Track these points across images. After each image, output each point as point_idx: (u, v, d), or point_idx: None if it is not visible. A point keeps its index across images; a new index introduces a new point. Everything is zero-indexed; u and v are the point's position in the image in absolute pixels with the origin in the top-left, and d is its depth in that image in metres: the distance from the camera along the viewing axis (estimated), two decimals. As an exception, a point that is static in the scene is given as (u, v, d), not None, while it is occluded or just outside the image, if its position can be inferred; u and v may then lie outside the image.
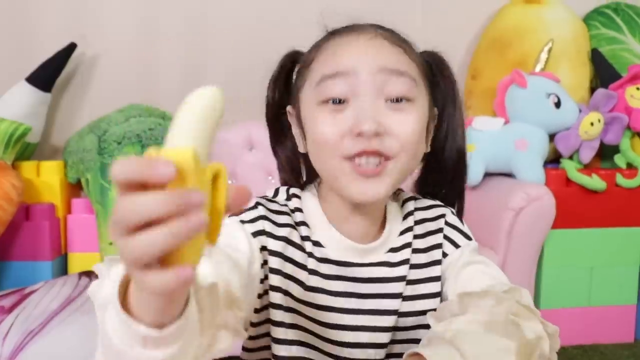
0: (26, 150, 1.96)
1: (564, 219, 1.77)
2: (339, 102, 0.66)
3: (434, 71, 0.75)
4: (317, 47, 0.72)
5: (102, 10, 2.09)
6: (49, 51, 1.96)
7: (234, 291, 0.53)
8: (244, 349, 0.76)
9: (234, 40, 2.10)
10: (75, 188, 2.00)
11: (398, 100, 0.66)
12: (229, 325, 0.50)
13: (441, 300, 0.74)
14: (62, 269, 1.92)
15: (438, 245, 0.75)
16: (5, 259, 1.85)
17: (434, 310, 0.68)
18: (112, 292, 0.42)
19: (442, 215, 0.78)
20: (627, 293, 1.87)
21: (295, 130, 0.74)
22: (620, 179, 1.82)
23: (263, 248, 0.68)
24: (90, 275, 1.80)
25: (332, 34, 0.72)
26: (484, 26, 2.16)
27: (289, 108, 0.75)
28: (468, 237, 0.77)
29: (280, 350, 0.71)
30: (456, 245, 0.75)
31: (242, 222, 0.68)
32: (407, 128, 0.66)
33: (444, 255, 0.75)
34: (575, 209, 1.81)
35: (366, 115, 0.64)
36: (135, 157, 0.34)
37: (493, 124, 1.89)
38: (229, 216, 0.70)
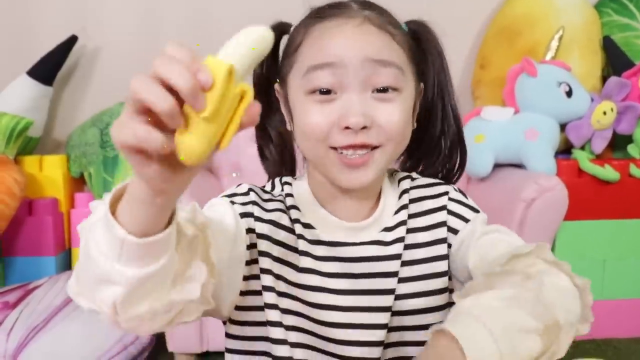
0: (28, 144, 1.94)
1: (576, 210, 1.74)
2: (326, 92, 0.67)
3: (422, 42, 0.75)
4: (304, 29, 0.71)
5: (103, 2, 2.06)
6: (49, 44, 1.95)
7: (211, 254, 0.54)
8: (230, 336, 0.74)
9: (237, 31, 2.07)
10: (78, 182, 1.98)
11: (384, 90, 0.67)
12: (199, 280, 0.52)
13: (449, 279, 0.73)
14: (66, 264, 1.90)
15: (442, 224, 0.74)
16: (9, 254, 1.83)
17: (438, 291, 0.69)
18: (104, 206, 0.46)
19: (445, 193, 0.76)
20: (641, 286, 1.84)
21: (283, 109, 0.75)
22: (633, 169, 1.79)
23: (250, 230, 0.69)
24: (94, 270, 1.78)
25: (319, 15, 0.71)
26: (492, 14, 2.13)
27: (277, 86, 0.75)
28: (475, 210, 0.76)
29: (275, 333, 0.69)
30: (465, 220, 0.74)
31: (232, 203, 0.69)
32: (394, 118, 0.67)
33: (454, 231, 0.74)
34: (588, 200, 1.78)
35: (354, 110, 0.65)
36: (188, 50, 0.41)
37: (502, 113, 1.86)
38: (223, 196, 0.71)
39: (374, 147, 0.68)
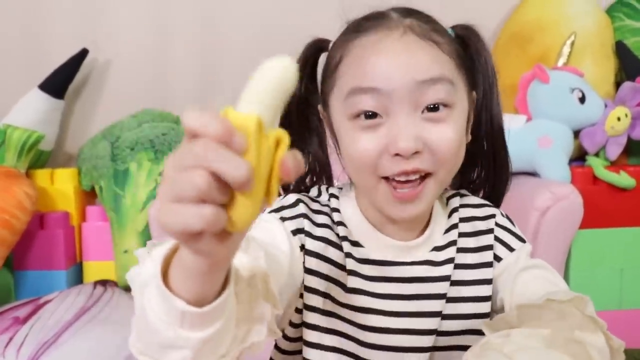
0: (40, 158, 1.95)
1: (592, 218, 1.71)
2: (372, 115, 0.64)
3: (470, 49, 0.73)
4: (343, 45, 0.68)
5: (113, 15, 2.07)
6: (61, 58, 1.95)
7: (271, 287, 0.52)
8: (279, 349, 0.73)
9: (248, 43, 2.07)
10: (90, 195, 1.99)
11: (435, 108, 0.64)
12: (264, 320, 0.51)
13: (491, 306, 0.71)
14: (77, 278, 1.90)
15: (489, 247, 0.73)
16: (20, 268, 1.83)
17: (483, 315, 0.68)
18: (154, 270, 0.44)
19: (492, 216, 0.75)
20: (660, 295, 1.80)
21: (329, 135, 0.74)
22: (650, 176, 1.75)
23: (302, 247, 0.67)
24: (105, 284, 1.78)
25: (357, 29, 0.68)
26: (503, 21, 2.11)
27: (320, 109, 0.73)
28: (522, 240, 0.76)
29: (312, 355, 0.69)
30: (510, 249, 0.74)
31: (283, 219, 0.68)
32: (447, 142, 0.64)
33: (497, 259, 0.73)
34: (604, 208, 1.75)
35: (403, 134, 0.62)
36: (215, 115, 0.37)
37: (515, 121, 1.84)
38: (271, 211, 0.69)
39: (426, 175, 0.65)
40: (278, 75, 0.39)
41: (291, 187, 0.77)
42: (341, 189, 0.77)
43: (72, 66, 1.97)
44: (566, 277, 1.75)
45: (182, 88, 2.08)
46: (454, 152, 0.66)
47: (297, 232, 0.67)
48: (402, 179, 0.64)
